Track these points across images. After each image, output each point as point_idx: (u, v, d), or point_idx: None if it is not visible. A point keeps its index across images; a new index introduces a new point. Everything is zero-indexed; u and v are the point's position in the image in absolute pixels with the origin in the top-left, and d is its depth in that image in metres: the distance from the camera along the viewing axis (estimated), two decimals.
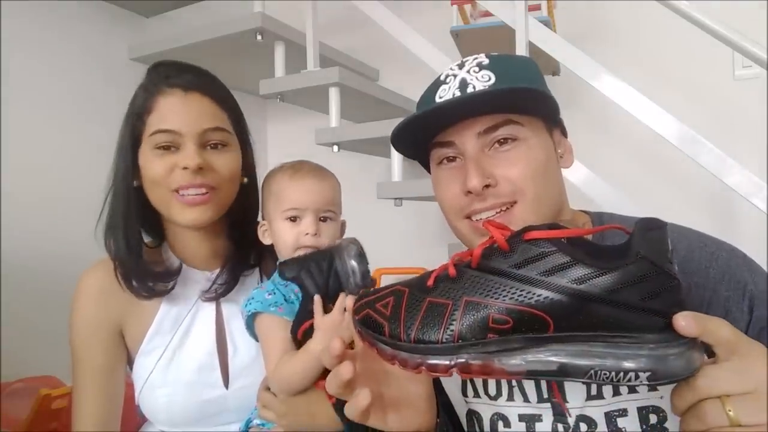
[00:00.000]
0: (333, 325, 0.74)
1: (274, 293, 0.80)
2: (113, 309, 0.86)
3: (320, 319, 0.76)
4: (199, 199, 0.82)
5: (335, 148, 1.75)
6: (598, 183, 1.45)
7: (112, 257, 0.85)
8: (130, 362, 0.90)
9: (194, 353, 0.85)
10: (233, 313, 0.89)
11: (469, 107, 0.65)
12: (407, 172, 1.63)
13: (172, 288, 0.85)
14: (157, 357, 0.84)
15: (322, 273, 0.79)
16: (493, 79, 0.66)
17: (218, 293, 0.87)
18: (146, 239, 0.92)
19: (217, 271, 0.90)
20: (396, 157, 1.66)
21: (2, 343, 1.54)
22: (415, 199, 1.74)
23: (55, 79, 1.82)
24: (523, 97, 0.65)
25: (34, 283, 1.67)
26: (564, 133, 0.74)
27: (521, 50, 1.49)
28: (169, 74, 0.83)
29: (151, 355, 0.85)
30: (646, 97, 1.40)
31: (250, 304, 0.80)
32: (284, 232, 0.83)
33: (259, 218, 0.91)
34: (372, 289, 0.60)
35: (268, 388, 0.82)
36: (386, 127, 1.65)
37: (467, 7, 1.95)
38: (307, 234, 0.82)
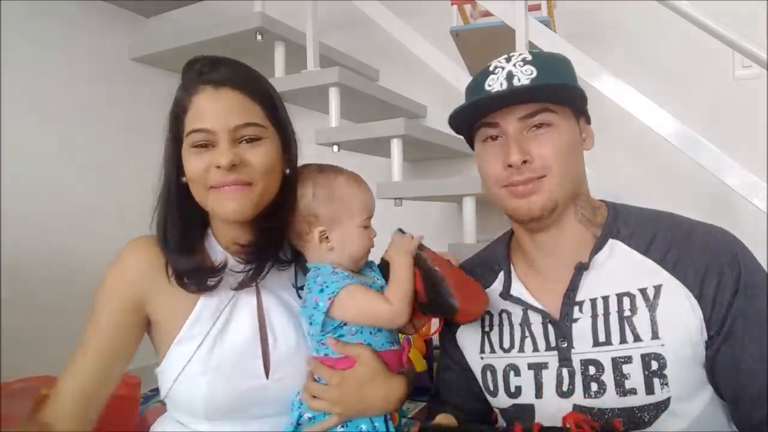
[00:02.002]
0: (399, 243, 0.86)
1: (336, 273, 0.84)
2: (145, 287, 0.85)
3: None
4: (238, 191, 0.83)
5: (335, 148, 1.75)
6: (597, 182, 1.45)
7: (164, 254, 0.86)
8: (159, 349, 0.88)
9: (236, 341, 0.85)
10: (273, 304, 0.89)
11: (517, 97, 0.78)
12: (407, 172, 1.64)
13: (220, 282, 0.86)
14: (197, 344, 0.83)
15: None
16: (536, 73, 0.78)
17: (245, 279, 0.87)
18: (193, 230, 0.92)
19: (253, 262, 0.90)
20: (396, 157, 1.66)
21: (2, 343, 1.54)
22: (415, 199, 1.74)
23: (55, 78, 1.82)
24: (558, 92, 0.78)
25: (34, 283, 1.68)
26: (588, 121, 0.87)
27: (521, 50, 1.49)
28: (202, 70, 0.84)
29: (191, 343, 0.84)
30: (646, 97, 1.40)
31: (327, 287, 0.82)
32: (361, 238, 0.88)
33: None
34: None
35: (315, 379, 0.85)
36: (386, 127, 1.65)
37: (467, 7, 1.95)
38: (374, 236, 0.91)
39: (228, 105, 0.82)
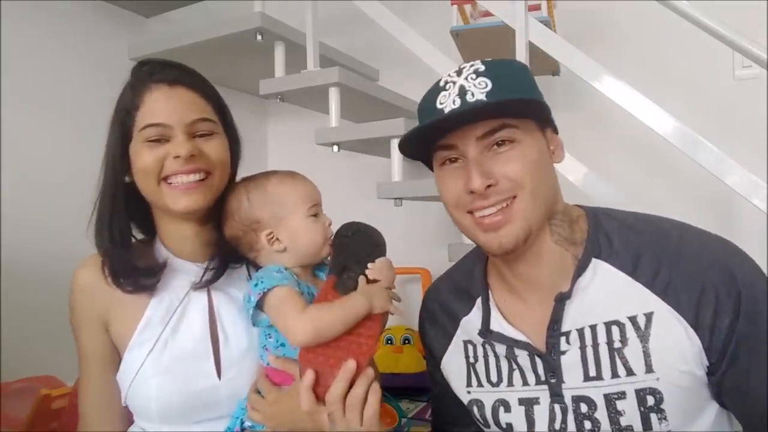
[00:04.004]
0: (372, 291, 0.80)
1: (281, 272, 0.82)
2: (99, 304, 0.87)
3: (363, 284, 0.81)
4: (193, 185, 0.84)
5: (335, 148, 1.75)
6: (597, 182, 1.45)
7: (100, 253, 0.87)
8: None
9: (187, 342, 0.86)
10: (223, 303, 0.89)
11: (471, 115, 0.70)
12: (407, 172, 1.63)
13: (157, 282, 0.86)
14: (149, 348, 0.84)
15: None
16: (490, 85, 0.70)
17: (208, 280, 0.88)
18: (138, 235, 0.93)
19: (206, 262, 0.90)
20: (396, 157, 1.66)
21: (2, 343, 1.54)
22: (415, 199, 1.74)
23: (54, 78, 1.82)
24: (517, 105, 0.71)
25: (34, 283, 1.67)
26: (555, 131, 0.79)
27: (521, 50, 1.49)
28: (153, 71, 0.86)
29: (142, 348, 0.85)
30: (646, 97, 1.40)
31: (262, 282, 0.80)
32: (311, 231, 0.86)
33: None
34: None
35: (258, 391, 0.83)
36: (386, 127, 1.65)
37: (467, 7, 1.94)
38: (330, 225, 0.88)
39: (183, 101, 0.84)
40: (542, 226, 0.74)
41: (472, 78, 0.72)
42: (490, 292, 0.83)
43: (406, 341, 1.93)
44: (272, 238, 0.85)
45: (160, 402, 0.83)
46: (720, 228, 0.75)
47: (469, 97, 0.70)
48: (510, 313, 0.80)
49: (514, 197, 0.71)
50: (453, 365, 0.87)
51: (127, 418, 0.90)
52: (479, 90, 0.70)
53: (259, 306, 0.80)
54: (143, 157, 0.83)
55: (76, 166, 1.85)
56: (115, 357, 0.88)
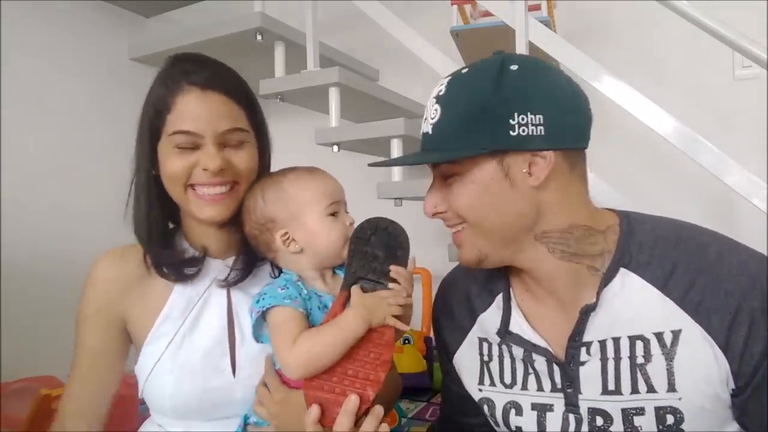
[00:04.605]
0: (370, 304, 0.73)
1: (287, 288, 0.77)
2: (117, 299, 0.86)
3: (360, 298, 0.74)
4: (219, 197, 0.82)
5: (335, 148, 1.75)
6: (597, 182, 1.44)
7: (142, 245, 0.87)
8: (136, 351, 0.90)
9: (204, 339, 0.85)
10: (243, 303, 0.89)
11: (411, 159, 0.74)
12: (407, 172, 1.64)
13: (198, 273, 0.86)
14: (167, 342, 0.84)
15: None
16: (438, 114, 0.70)
17: (234, 280, 0.87)
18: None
19: (231, 259, 0.90)
20: (396, 157, 1.66)
21: (2, 343, 1.54)
22: (415, 199, 1.73)
23: (55, 79, 1.82)
24: (446, 149, 0.69)
25: (34, 283, 1.67)
26: (532, 149, 0.68)
27: (521, 50, 1.49)
28: (187, 70, 0.83)
29: (160, 341, 0.84)
30: (646, 97, 1.39)
31: (263, 299, 0.76)
32: (329, 231, 0.80)
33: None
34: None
35: (266, 384, 0.82)
36: (386, 127, 1.65)
37: (467, 7, 1.95)
38: (351, 224, 0.81)
39: (215, 109, 0.81)
40: (506, 251, 0.72)
41: (433, 102, 0.71)
42: (511, 290, 0.80)
43: (406, 341, 1.93)
44: (288, 238, 0.81)
45: (175, 397, 0.82)
46: (720, 228, 0.74)
47: (425, 127, 0.72)
48: (531, 315, 0.77)
49: (465, 226, 0.73)
50: (466, 361, 0.85)
51: (104, 423, 0.89)
52: (430, 120, 0.71)
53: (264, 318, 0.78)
54: (172, 163, 0.81)
55: (77, 165, 1.85)
56: (113, 355, 0.88)
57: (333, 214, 0.81)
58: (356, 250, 0.77)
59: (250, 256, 0.89)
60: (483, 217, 0.70)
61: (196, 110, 0.80)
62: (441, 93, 0.71)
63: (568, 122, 0.69)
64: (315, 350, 0.71)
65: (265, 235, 0.83)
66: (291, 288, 0.77)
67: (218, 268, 0.89)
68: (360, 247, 0.76)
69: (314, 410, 0.70)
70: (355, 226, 0.79)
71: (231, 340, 0.86)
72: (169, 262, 0.86)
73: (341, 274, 0.82)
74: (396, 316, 0.74)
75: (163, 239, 0.88)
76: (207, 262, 0.89)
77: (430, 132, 0.71)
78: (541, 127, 0.66)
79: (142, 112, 0.85)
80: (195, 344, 0.84)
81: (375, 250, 0.76)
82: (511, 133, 0.66)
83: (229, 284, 0.87)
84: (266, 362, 0.83)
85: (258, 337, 0.81)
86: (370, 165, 0.81)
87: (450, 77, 0.72)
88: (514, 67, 0.68)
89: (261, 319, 0.78)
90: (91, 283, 0.88)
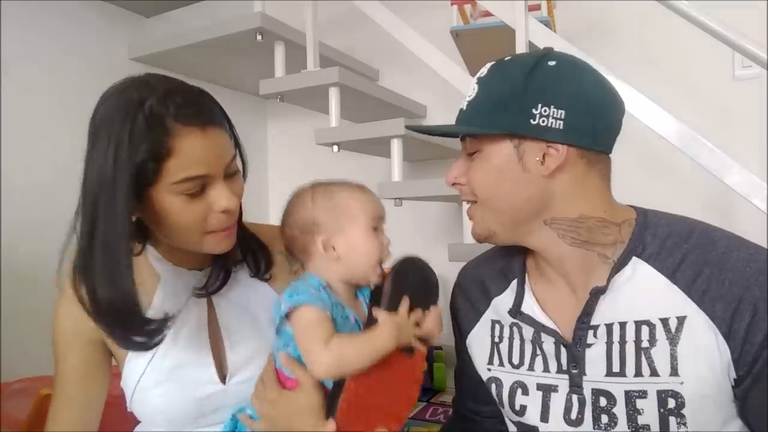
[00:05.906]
0: (400, 323, 0.77)
1: (319, 291, 0.79)
2: (91, 326, 0.81)
3: (387, 315, 0.77)
4: (231, 229, 0.82)
5: (335, 148, 1.75)
6: None
7: (90, 312, 0.75)
8: (119, 368, 0.89)
9: (186, 351, 0.85)
10: (226, 309, 0.89)
11: (446, 129, 0.81)
12: (407, 172, 1.64)
13: (163, 339, 0.80)
14: (149, 357, 0.83)
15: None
16: (474, 94, 0.76)
17: (213, 289, 0.87)
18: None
19: (207, 269, 0.89)
20: (396, 157, 1.66)
21: (2, 343, 1.54)
22: (415, 199, 1.74)
23: (54, 79, 1.82)
24: (473, 130, 0.76)
25: (34, 283, 1.67)
26: (547, 138, 0.71)
27: (521, 50, 1.49)
28: (177, 111, 0.73)
29: (143, 357, 0.84)
30: (646, 97, 1.40)
31: (296, 295, 0.77)
32: (370, 244, 0.82)
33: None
34: None
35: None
36: (386, 127, 1.65)
37: (467, 7, 1.95)
38: (388, 244, 0.84)
39: (216, 146, 0.77)
40: (516, 231, 0.77)
41: (474, 82, 0.77)
42: (527, 275, 0.84)
43: None
44: (329, 244, 0.82)
45: (165, 411, 0.82)
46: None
47: (462, 103, 0.77)
48: (543, 299, 0.81)
49: (476, 202, 0.78)
50: (477, 341, 0.89)
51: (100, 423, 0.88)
52: (468, 98, 0.77)
53: (287, 315, 0.78)
54: (183, 211, 0.75)
55: (77, 166, 1.85)
56: (94, 373, 0.86)
57: (375, 229, 0.84)
58: (399, 278, 0.82)
59: (227, 263, 0.89)
60: (492, 196, 0.75)
61: (203, 153, 0.74)
62: (482, 75, 0.76)
63: (588, 123, 0.72)
64: (351, 355, 0.73)
65: (306, 237, 0.84)
66: (322, 292, 0.79)
67: (195, 277, 0.88)
68: (403, 278, 0.82)
69: None
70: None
71: (215, 348, 0.86)
72: (130, 334, 0.76)
73: (361, 298, 0.85)
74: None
75: (132, 309, 0.75)
76: (181, 274, 0.88)
77: (465, 108, 0.77)
78: (561, 122, 0.70)
79: (112, 153, 0.72)
80: (178, 356, 0.84)
81: (413, 284, 0.82)
82: (532, 121, 0.70)
83: (209, 293, 0.87)
84: (268, 360, 0.83)
85: (279, 330, 0.81)
86: (407, 128, 0.87)
87: (494, 62, 0.77)
88: (552, 63, 0.72)
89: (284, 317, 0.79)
90: (69, 303, 0.81)
